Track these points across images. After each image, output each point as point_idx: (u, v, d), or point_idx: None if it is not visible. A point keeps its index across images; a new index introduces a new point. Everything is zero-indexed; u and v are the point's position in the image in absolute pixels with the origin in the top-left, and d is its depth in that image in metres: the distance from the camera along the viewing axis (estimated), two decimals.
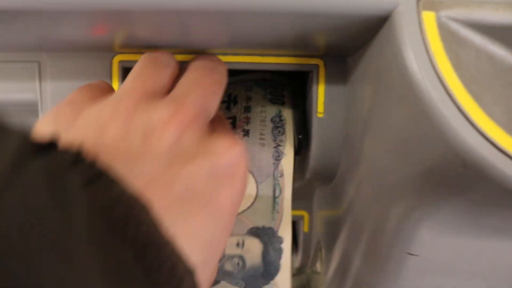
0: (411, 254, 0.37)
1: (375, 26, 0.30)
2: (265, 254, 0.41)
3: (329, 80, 0.38)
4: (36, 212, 0.17)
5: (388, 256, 0.38)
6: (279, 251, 0.41)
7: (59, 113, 0.29)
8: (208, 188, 0.26)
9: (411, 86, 0.28)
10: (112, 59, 0.38)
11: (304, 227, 0.52)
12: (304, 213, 0.51)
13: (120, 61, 0.38)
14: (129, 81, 0.30)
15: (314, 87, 0.38)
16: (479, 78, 0.30)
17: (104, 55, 0.38)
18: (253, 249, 0.41)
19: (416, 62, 0.28)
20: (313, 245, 0.52)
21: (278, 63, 0.38)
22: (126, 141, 0.25)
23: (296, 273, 0.55)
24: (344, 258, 0.44)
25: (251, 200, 0.41)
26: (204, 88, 0.30)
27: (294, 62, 0.38)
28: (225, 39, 0.35)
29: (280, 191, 0.41)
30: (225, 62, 0.37)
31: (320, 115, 0.39)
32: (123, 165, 0.22)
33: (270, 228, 0.41)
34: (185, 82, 0.31)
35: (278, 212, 0.41)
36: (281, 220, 0.41)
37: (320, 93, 0.38)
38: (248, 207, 0.41)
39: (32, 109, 0.41)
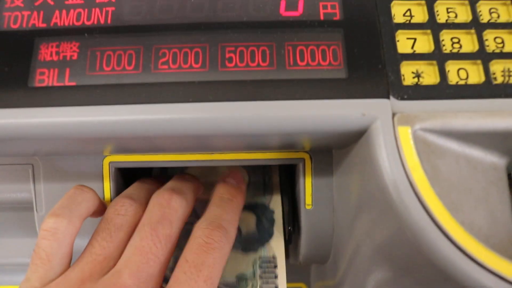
0: None
1: (355, 136, 0.32)
2: (258, 223, 0.45)
3: (316, 172, 0.39)
4: None
5: None
6: (271, 221, 0.45)
7: None
8: None
9: (389, 201, 0.29)
10: (103, 160, 0.40)
11: None
12: (302, 286, 0.52)
13: (111, 162, 0.39)
14: (82, 258, 0.34)
15: (301, 180, 0.40)
16: (459, 184, 0.31)
17: (95, 157, 0.39)
18: (248, 220, 0.45)
19: (392, 176, 0.29)
20: None
21: (265, 159, 0.39)
22: None
23: None
24: None
25: None
26: (143, 254, 0.32)
27: (281, 157, 0.39)
28: (216, 149, 0.36)
29: (270, 178, 0.47)
30: (214, 160, 0.38)
31: (308, 207, 0.40)
32: None
33: (262, 204, 0.46)
34: (127, 251, 0.33)
35: (269, 194, 0.46)
36: (271, 198, 0.46)
37: (308, 185, 0.39)
38: None
39: (27, 206, 0.43)
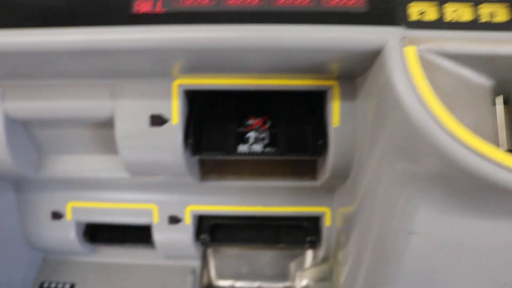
0: (413, 233, 0.50)
1: (373, 56, 0.44)
2: None
3: (342, 97, 0.52)
4: None
5: (394, 238, 0.51)
6: None
7: None
8: None
9: (398, 102, 0.41)
10: (172, 83, 0.53)
11: (327, 222, 0.65)
12: (326, 209, 0.65)
13: (179, 85, 0.52)
14: None
15: (330, 103, 0.52)
16: (452, 93, 0.43)
17: (166, 80, 0.53)
18: None
19: (401, 84, 0.41)
20: (334, 237, 0.65)
21: (304, 84, 0.52)
22: None
23: (320, 263, 0.68)
24: (358, 246, 0.57)
25: None
26: None
27: (316, 83, 0.52)
28: (265, 69, 0.49)
29: None
30: (259, 84, 0.51)
31: (335, 125, 0.53)
32: None
33: None
34: None
35: None
36: None
37: (335, 107, 0.52)
38: None
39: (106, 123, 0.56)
